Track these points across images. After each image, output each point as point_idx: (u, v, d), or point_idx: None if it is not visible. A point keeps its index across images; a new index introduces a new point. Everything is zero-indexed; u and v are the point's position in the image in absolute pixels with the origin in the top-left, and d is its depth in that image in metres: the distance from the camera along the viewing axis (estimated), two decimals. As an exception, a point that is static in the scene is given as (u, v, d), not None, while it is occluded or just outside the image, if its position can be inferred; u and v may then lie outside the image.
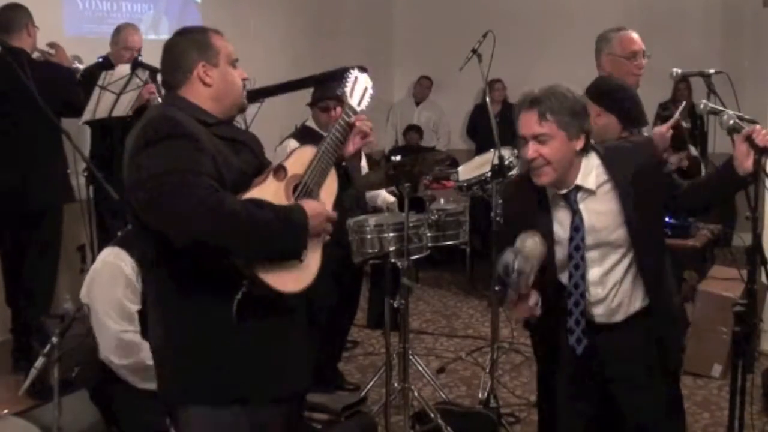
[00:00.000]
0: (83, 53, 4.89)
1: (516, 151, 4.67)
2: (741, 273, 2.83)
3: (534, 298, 2.45)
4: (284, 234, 2.12)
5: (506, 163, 4.34)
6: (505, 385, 4.57)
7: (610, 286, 2.57)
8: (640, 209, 2.51)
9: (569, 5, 8.33)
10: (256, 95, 2.47)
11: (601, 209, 2.53)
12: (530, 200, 2.59)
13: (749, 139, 2.42)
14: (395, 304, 3.78)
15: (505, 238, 2.59)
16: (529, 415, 4.25)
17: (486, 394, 4.18)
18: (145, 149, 2.10)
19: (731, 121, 2.54)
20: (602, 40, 3.54)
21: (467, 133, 8.83)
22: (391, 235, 3.95)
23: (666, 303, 2.65)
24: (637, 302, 2.60)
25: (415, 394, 3.99)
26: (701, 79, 3.49)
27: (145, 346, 2.91)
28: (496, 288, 4.29)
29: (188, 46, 2.27)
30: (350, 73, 2.53)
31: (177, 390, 2.25)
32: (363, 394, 4.28)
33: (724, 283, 4.62)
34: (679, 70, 3.59)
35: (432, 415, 3.90)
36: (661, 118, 3.31)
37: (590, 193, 2.53)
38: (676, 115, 3.31)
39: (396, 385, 3.91)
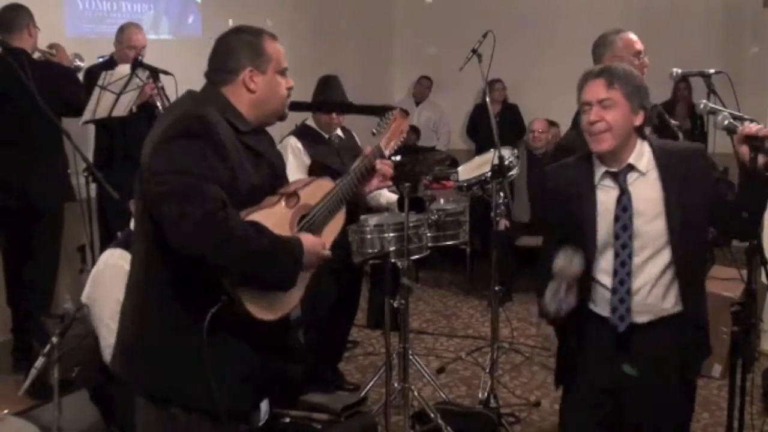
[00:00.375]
0: (84, 53, 4.89)
1: (516, 151, 4.68)
2: (741, 273, 2.83)
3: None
4: (276, 267, 2.12)
5: (506, 163, 4.34)
6: (505, 385, 4.57)
7: (644, 280, 2.54)
8: (682, 207, 2.50)
9: (569, 5, 8.33)
10: (296, 108, 2.45)
11: (646, 195, 2.53)
12: (577, 180, 2.60)
13: (746, 140, 2.42)
14: (395, 304, 3.78)
15: (546, 218, 2.63)
16: (529, 415, 4.26)
17: (486, 394, 4.19)
18: (171, 141, 2.10)
19: (726, 122, 2.54)
20: (603, 44, 3.52)
21: (467, 133, 8.83)
22: (391, 235, 3.96)
23: (697, 312, 2.61)
24: (669, 305, 2.56)
25: (415, 394, 3.99)
26: (701, 79, 3.49)
27: None
28: (497, 288, 4.34)
29: (240, 48, 2.25)
30: (391, 113, 2.51)
31: (137, 379, 2.27)
32: (363, 394, 4.28)
33: (724, 283, 4.62)
34: (679, 70, 3.59)
35: (432, 415, 3.90)
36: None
37: (641, 175, 2.54)
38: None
39: (396, 385, 3.91)
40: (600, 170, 2.57)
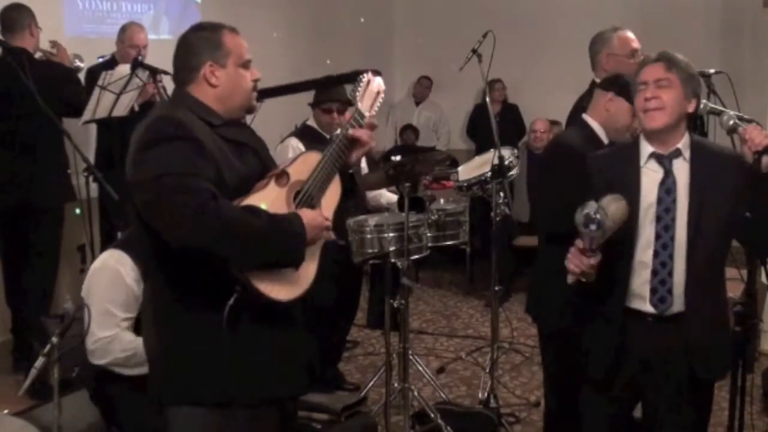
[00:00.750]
0: (83, 53, 4.90)
1: (516, 151, 4.68)
2: (741, 273, 2.82)
3: (598, 258, 2.43)
4: (280, 244, 2.11)
5: (506, 163, 4.34)
6: (505, 385, 4.57)
7: (678, 267, 2.52)
8: (706, 203, 2.49)
9: (569, 5, 8.33)
10: (266, 94, 2.45)
11: (685, 183, 2.53)
12: (622, 164, 2.60)
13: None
14: (395, 304, 3.78)
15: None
16: (529, 415, 4.25)
17: (486, 394, 4.19)
18: (147, 149, 2.10)
19: (731, 122, 2.55)
20: (599, 41, 3.54)
21: (467, 133, 8.82)
22: (391, 235, 3.95)
23: (706, 313, 2.55)
24: (683, 301, 2.54)
25: (415, 394, 3.99)
26: (701, 79, 3.49)
27: (119, 338, 2.98)
28: (497, 288, 4.34)
29: (199, 44, 2.26)
30: (363, 77, 2.50)
31: (165, 389, 2.26)
32: (363, 394, 4.28)
33: (724, 283, 4.61)
34: (679, 70, 3.59)
35: (432, 415, 3.90)
36: None
37: (685, 162, 2.54)
38: None
39: (396, 385, 3.91)
40: (647, 151, 2.57)
